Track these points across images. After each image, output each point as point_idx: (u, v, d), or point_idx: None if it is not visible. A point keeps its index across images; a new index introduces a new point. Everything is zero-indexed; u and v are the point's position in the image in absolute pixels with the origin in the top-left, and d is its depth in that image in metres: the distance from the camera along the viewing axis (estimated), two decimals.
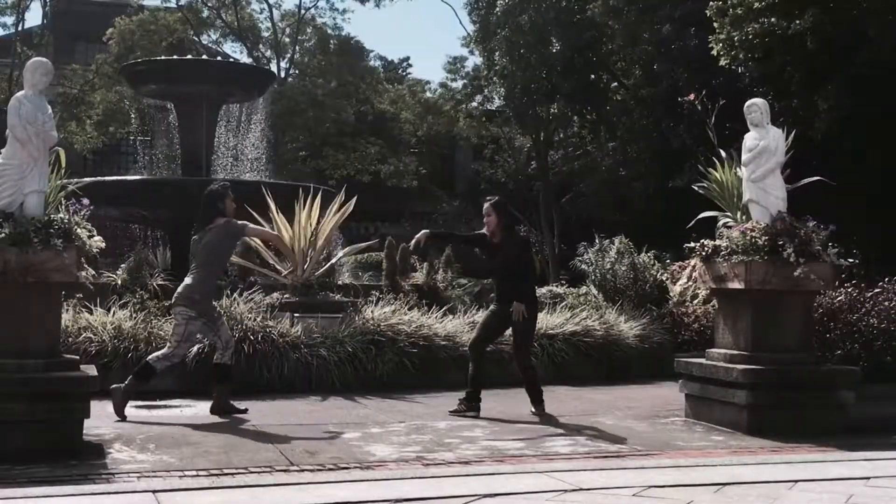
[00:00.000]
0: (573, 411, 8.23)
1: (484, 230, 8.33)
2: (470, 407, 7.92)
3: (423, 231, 8.35)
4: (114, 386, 7.34)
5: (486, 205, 8.23)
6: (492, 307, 8.43)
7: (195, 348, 8.91)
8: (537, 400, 8.02)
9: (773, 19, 16.44)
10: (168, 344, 7.80)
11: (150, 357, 7.72)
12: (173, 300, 7.84)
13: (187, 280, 7.76)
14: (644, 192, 23.81)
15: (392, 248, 13.60)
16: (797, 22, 16.07)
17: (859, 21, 16.45)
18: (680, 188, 17.90)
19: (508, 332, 8.50)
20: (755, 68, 18.23)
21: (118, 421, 7.19)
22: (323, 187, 12.59)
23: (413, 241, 8.42)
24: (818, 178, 8.05)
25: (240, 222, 8.02)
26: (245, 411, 7.75)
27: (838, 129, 17.25)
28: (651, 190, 23.31)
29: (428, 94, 34.20)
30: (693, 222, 8.27)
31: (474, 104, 32.42)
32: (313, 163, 30.91)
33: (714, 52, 17.63)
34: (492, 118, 32.48)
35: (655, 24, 21.80)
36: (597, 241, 12.92)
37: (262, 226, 9.90)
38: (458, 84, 32.78)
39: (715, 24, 17.53)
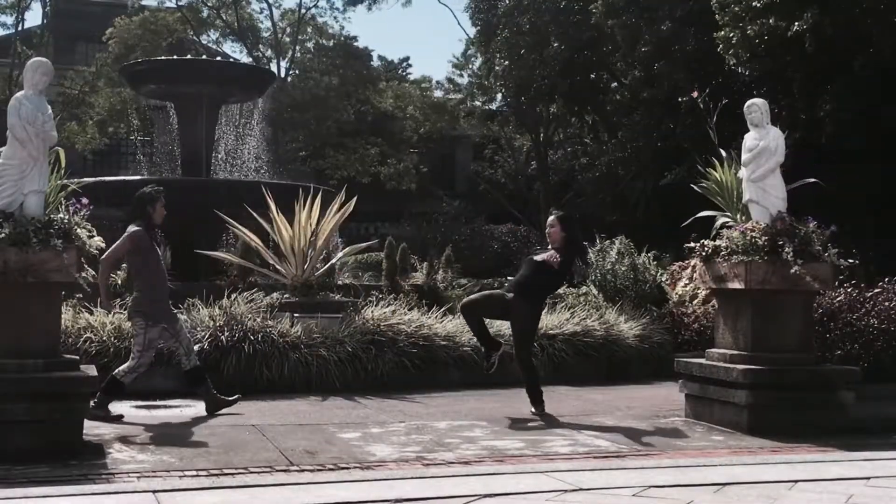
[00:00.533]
0: (573, 411, 8.22)
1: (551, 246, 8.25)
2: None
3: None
4: (90, 411, 6.87)
5: (551, 217, 8.33)
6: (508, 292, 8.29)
7: (196, 348, 8.91)
8: (537, 400, 8.02)
9: (771, 20, 16.43)
10: (132, 356, 7.65)
11: (116, 372, 7.57)
12: (127, 313, 7.81)
13: (135, 292, 7.70)
14: (643, 192, 23.82)
15: (392, 248, 13.61)
16: (796, 24, 16.05)
17: (859, 22, 16.45)
18: (681, 188, 17.89)
19: (510, 332, 8.52)
20: (756, 68, 18.23)
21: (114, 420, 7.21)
22: (323, 187, 12.60)
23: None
24: (814, 180, 8.05)
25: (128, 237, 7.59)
26: (237, 400, 7.83)
27: (839, 129, 17.25)
28: (650, 190, 23.32)
29: (437, 94, 34.22)
30: (690, 220, 8.27)
31: (477, 103, 32.44)
32: (313, 163, 30.91)
33: (719, 49, 17.62)
34: (493, 118, 32.49)
35: (655, 25, 21.79)
36: (598, 241, 12.92)
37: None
38: (465, 80, 32.82)
39: (717, 17, 17.52)
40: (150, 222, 7.64)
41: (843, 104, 17.05)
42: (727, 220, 7.87)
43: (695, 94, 8.92)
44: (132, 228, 7.55)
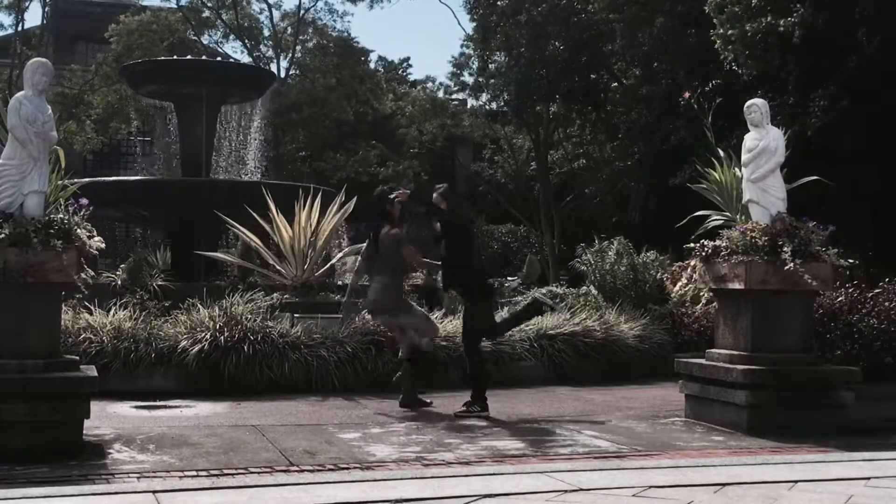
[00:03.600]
0: (573, 411, 8.23)
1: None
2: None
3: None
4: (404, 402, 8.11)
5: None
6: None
7: (196, 348, 8.93)
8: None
9: (768, 18, 16.43)
10: (414, 333, 8.20)
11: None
12: (388, 313, 8.29)
13: (393, 286, 8.31)
14: (643, 192, 23.79)
15: None
16: (790, 19, 16.05)
17: (855, 21, 16.44)
18: (680, 188, 17.89)
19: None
20: (753, 66, 18.21)
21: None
22: (323, 188, 12.61)
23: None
24: (816, 178, 8.06)
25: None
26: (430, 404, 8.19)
27: (837, 128, 17.24)
28: (650, 189, 23.28)
29: (440, 94, 34.21)
30: (685, 220, 8.26)
31: (479, 103, 32.42)
32: (314, 164, 30.90)
33: (716, 47, 17.63)
34: (495, 118, 32.47)
35: (654, 24, 21.76)
36: (595, 242, 12.92)
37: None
38: (465, 80, 32.80)
39: (715, 21, 17.53)
40: (392, 220, 8.20)
41: (841, 102, 17.04)
42: (718, 219, 7.88)
43: (687, 95, 8.94)
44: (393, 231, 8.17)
